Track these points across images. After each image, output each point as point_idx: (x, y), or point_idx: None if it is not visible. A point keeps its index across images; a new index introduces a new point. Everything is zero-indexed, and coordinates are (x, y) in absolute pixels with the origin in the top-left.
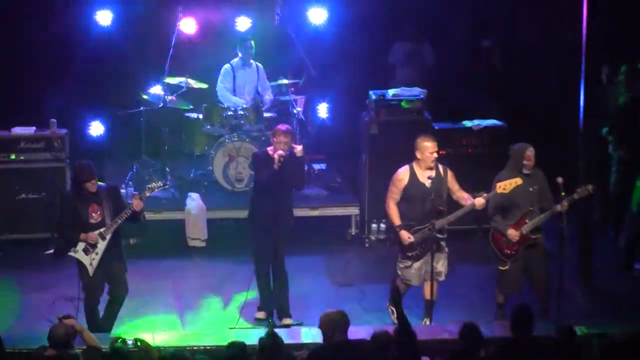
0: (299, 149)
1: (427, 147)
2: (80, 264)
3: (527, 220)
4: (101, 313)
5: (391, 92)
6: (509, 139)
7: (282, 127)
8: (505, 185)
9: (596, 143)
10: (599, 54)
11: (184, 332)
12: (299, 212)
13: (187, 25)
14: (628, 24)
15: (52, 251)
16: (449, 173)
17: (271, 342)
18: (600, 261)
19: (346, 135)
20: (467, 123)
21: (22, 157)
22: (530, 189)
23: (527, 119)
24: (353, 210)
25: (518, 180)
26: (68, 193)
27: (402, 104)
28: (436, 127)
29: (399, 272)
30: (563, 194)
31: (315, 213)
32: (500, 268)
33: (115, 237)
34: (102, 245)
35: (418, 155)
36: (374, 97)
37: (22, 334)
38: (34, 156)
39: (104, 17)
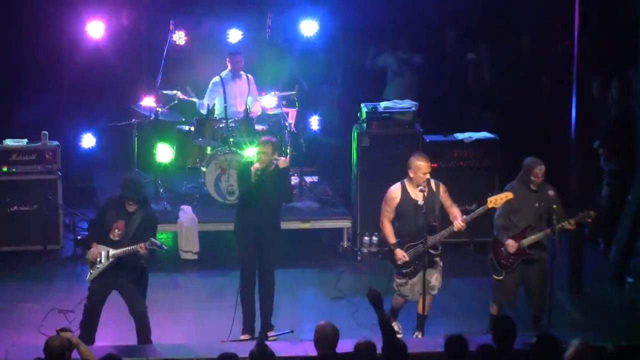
0: (281, 160)
1: (421, 167)
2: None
3: (525, 235)
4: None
5: (383, 104)
6: (501, 152)
7: (263, 138)
8: (497, 200)
9: (588, 155)
10: (590, 65)
11: (176, 344)
12: (290, 225)
13: (179, 38)
14: (619, 36)
15: (80, 238)
16: (442, 188)
17: (261, 355)
18: (591, 274)
19: (338, 147)
20: (459, 135)
21: (13, 170)
22: (537, 205)
23: (519, 131)
24: (345, 223)
25: (509, 195)
26: (114, 198)
27: (393, 115)
28: (427, 140)
29: (395, 288)
30: (555, 206)
31: (307, 226)
32: (495, 277)
33: (129, 259)
34: (104, 263)
35: (411, 174)
36: (365, 109)
37: (14, 346)
38: (26, 168)
39: (96, 29)
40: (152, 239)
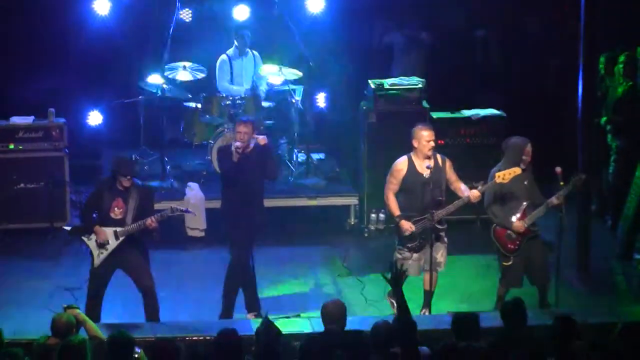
0: (261, 138)
1: (424, 136)
2: (90, 252)
3: (527, 214)
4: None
5: (390, 81)
6: (508, 129)
7: (242, 117)
8: (505, 175)
9: (595, 133)
10: (597, 42)
11: (182, 322)
12: (297, 202)
13: (185, 15)
14: (627, 12)
15: (69, 228)
16: (448, 163)
17: (267, 332)
18: (598, 251)
19: (345, 124)
20: (466, 112)
21: (20, 147)
22: (526, 183)
23: (526, 108)
24: (352, 200)
25: (517, 170)
26: (104, 179)
27: (400, 92)
28: (434, 117)
29: (398, 264)
30: (562, 183)
31: (314, 203)
32: (504, 264)
33: (136, 240)
34: (113, 244)
35: (415, 144)
36: (372, 86)
37: (21, 323)
38: (32, 146)
39: (102, 6)
40: (173, 207)
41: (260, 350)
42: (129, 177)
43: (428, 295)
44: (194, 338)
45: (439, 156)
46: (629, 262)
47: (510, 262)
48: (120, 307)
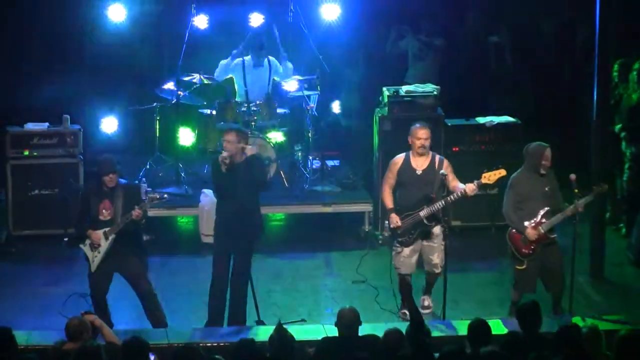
0: (249, 147)
1: (417, 133)
2: (87, 258)
3: (544, 220)
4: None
5: (405, 88)
6: (522, 136)
7: (225, 126)
8: (490, 176)
9: (609, 140)
10: (612, 48)
11: (197, 328)
12: (312, 209)
13: (201, 21)
14: None
15: (66, 239)
16: (445, 163)
17: (280, 338)
18: (612, 257)
19: (359, 131)
20: (480, 119)
21: (35, 153)
22: (546, 189)
23: (541, 115)
24: (366, 207)
25: (502, 172)
26: (88, 186)
27: (415, 99)
28: (449, 124)
29: (393, 261)
30: (576, 190)
31: (329, 209)
32: (518, 267)
33: (129, 236)
34: (104, 245)
35: (410, 140)
36: (387, 93)
37: (35, 330)
38: (47, 152)
39: (117, 13)
40: (150, 195)
41: (274, 357)
42: (111, 175)
43: (429, 286)
44: (208, 345)
45: (437, 156)
46: None
47: (523, 267)
48: (135, 312)
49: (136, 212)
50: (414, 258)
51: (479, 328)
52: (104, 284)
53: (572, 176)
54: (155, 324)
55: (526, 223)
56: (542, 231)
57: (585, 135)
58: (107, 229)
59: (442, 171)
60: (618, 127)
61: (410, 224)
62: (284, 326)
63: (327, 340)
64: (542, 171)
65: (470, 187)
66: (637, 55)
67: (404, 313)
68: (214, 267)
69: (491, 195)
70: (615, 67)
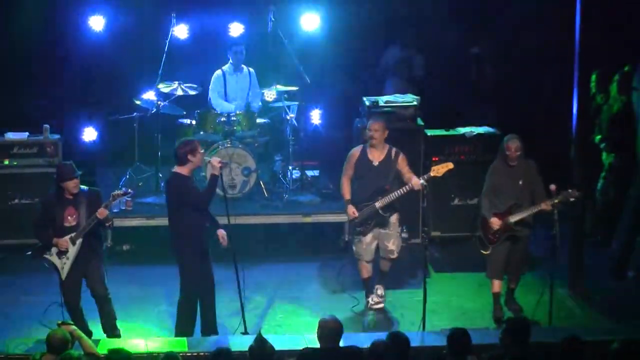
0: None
1: (368, 126)
2: (55, 267)
3: (511, 212)
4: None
5: (384, 98)
6: None
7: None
8: (438, 169)
9: (590, 150)
10: (592, 59)
11: (177, 338)
12: (292, 219)
13: (180, 31)
14: (621, 29)
15: (29, 252)
16: (401, 156)
17: (260, 348)
18: (592, 270)
19: (339, 141)
20: (460, 130)
21: (15, 163)
22: (520, 182)
23: (521, 125)
24: (346, 217)
25: (449, 165)
26: (49, 195)
27: (395, 110)
28: (429, 134)
29: (355, 251)
30: (556, 201)
31: (309, 220)
32: (483, 252)
33: (91, 240)
34: (72, 250)
35: (365, 134)
36: (367, 103)
37: (14, 339)
38: (27, 161)
39: (97, 23)
40: (113, 193)
41: None
42: (75, 180)
43: (382, 275)
44: (188, 354)
45: (393, 149)
46: (622, 280)
47: (487, 252)
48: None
49: (101, 211)
50: (374, 245)
51: (460, 338)
52: (76, 290)
53: (552, 187)
54: (107, 328)
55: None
56: (509, 222)
57: (566, 146)
58: (72, 235)
59: (421, 181)
60: (598, 137)
61: (367, 214)
62: (264, 336)
63: (307, 351)
64: (510, 162)
65: (415, 182)
66: (615, 65)
67: (371, 300)
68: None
69: (471, 205)
70: (593, 77)
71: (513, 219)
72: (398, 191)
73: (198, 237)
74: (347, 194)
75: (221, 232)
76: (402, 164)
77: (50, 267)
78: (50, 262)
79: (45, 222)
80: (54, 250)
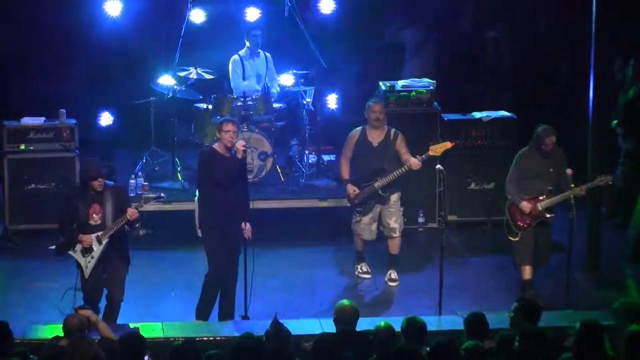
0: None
1: (371, 107)
2: (78, 264)
3: (541, 197)
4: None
5: (400, 83)
6: (518, 131)
7: (229, 117)
8: (436, 149)
9: (606, 135)
10: (608, 44)
11: (194, 322)
12: (308, 204)
13: (197, 16)
14: (637, 12)
15: (53, 247)
16: (399, 137)
17: (277, 333)
18: (608, 252)
19: (356, 125)
20: (477, 114)
21: (31, 147)
22: (551, 170)
23: (537, 110)
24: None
25: (447, 145)
26: (73, 190)
27: (411, 94)
28: (445, 118)
29: (353, 227)
30: (573, 185)
31: (325, 204)
32: (511, 238)
33: (119, 240)
34: (98, 249)
35: (366, 115)
36: (383, 88)
37: (31, 324)
38: (43, 146)
39: (113, 7)
40: (145, 195)
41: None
42: (99, 180)
43: (392, 258)
44: (204, 339)
45: (392, 130)
46: (638, 263)
47: (517, 238)
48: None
49: (131, 212)
50: (374, 226)
51: (478, 322)
52: (99, 290)
53: (569, 171)
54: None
55: (522, 198)
56: (540, 208)
57: (583, 130)
58: (99, 233)
59: (438, 166)
60: (614, 122)
61: (367, 194)
62: (280, 321)
63: (324, 336)
64: (545, 153)
65: (414, 162)
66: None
67: (360, 269)
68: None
69: (487, 189)
70: (618, 62)
71: (544, 204)
72: (397, 171)
73: (220, 216)
74: (345, 174)
75: (248, 227)
76: (401, 144)
77: (76, 264)
78: (75, 260)
79: (70, 219)
80: (78, 247)
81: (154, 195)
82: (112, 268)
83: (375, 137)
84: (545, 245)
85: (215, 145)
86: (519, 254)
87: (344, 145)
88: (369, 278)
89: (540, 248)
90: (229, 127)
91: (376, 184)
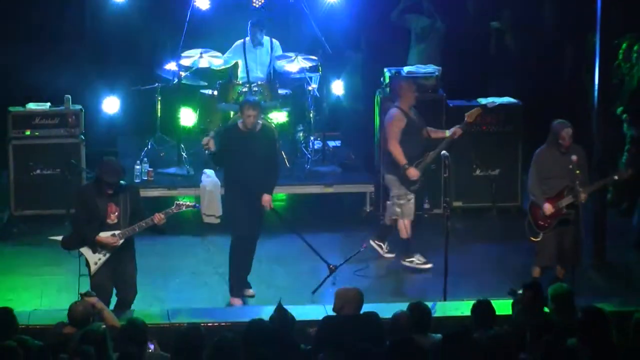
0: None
1: (411, 87)
2: (85, 260)
3: (564, 196)
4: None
5: (406, 69)
6: (524, 117)
7: (251, 99)
8: (471, 115)
9: (611, 122)
10: (614, 30)
11: (199, 308)
12: (313, 190)
13: (202, 1)
14: None
15: (59, 239)
16: None
17: (281, 319)
18: (614, 240)
19: (361, 112)
20: (482, 100)
21: (36, 133)
22: (570, 166)
23: (542, 97)
24: (368, 188)
25: (479, 110)
26: (87, 187)
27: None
28: (451, 105)
29: (402, 213)
30: (577, 172)
31: (330, 190)
32: (532, 239)
33: (129, 240)
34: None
35: (401, 93)
36: (388, 74)
37: (36, 310)
38: (49, 132)
39: None
40: (177, 202)
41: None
42: (112, 187)
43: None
44: (209, 324)
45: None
46: None
47: (538, 239)
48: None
49: (158, 217)
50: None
51: (484, 309)
52: (109, 287)
53: (574, 157)
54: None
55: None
56: (559, 207)
57: (587, 117)
58: (117, 232)
59: (443, 152)
60: (620, 109)
61: (422, 170)
62: (284, 307)
63: (328, 320)
64: (562, 149)
65: (458, 131)
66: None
67: (417, 260)
68: (246, 230)
69: (493, 176)
70: (624, 46)
71: (565, 202)
72: (444, 143)
73: (240, 182)
74: (403, 159)
75: (267, 197)
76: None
77: (84, 259)
78: (83, 257)
79: (88, 216)
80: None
81: (186, 204)
82: (122, 267)
83: (413, 114)
84: (572, 245)
85: (240, 122)
86: (540, 255)
87: (388, 131)
88: (430, 266)
89: (567, 249)
90: (250, 112)
91: (428, 159)
